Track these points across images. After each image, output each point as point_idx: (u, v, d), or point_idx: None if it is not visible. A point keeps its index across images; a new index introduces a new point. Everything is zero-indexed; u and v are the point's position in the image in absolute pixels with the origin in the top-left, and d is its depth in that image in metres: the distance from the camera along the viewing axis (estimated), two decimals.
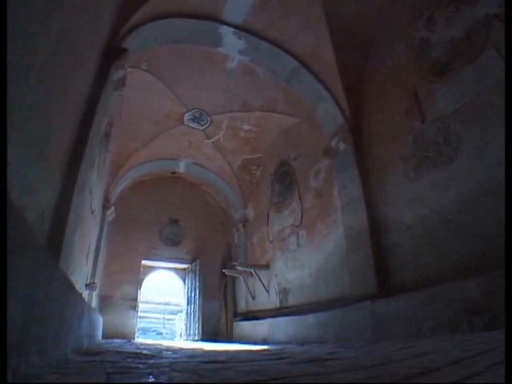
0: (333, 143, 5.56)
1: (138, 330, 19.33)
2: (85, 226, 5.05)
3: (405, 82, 4.63)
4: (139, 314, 20.07)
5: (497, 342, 1.85)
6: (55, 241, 2.91)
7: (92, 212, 5.49)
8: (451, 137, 3.85)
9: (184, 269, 9.25)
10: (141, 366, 1.73)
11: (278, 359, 2.24)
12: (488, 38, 3.61)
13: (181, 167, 9.01)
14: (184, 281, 9.30)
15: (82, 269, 5.02)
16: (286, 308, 6.19)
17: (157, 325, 20.36)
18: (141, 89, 6.18)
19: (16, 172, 1.76)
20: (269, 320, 6.17)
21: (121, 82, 4.29)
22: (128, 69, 5.20)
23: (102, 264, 7.47)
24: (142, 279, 8.82)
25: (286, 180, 7.33)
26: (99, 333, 5.46)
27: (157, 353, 2.99)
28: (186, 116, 7.12)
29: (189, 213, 9.53)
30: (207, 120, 7.31)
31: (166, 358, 2.48)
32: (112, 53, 3.86)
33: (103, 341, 5.55)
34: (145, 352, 3.07)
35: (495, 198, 3.20)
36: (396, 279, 4.13)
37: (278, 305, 6.54)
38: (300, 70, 5.71)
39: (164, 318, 19.94)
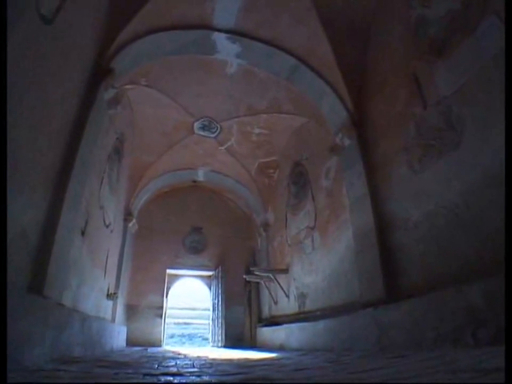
0: (337, 140, 5.29)
1: (183, 336, 19.95)
2: (98, 240, 5.31)
3: (405, 67, 4.26)
4: (185, 321, 20.73)
5: (493, 365, 1.57)
6: (42, 256, 3.09)
7: (107, 226, 5.76)
8: (454, 120, 3.45)
9: (210, 276, 9.35)
10: (67, 375, 1.74)
11: (234, 374, 2.12)
12: (487, 3, 3.18)
13: (200, 176, 9.17)
14: (210, 288, 9.40)
15: (97, 281, 5.26)
16: (303, 313, 5.95)
17: (202, 331, 20.85)
18: (147, 104, 6.41)
19: None
20: (286, 326, 5.98)
21: (114, 101, 4.45)
22: (128, 86, 5.44)
23: (128, 275, 7.81)
24: (169, 288, 9.06)
25: (300, 181, 7.11)
26: (115, 341, 5.67)
27: (143, 362, 3.01)
28: (196, 125, 7.23)
29: (211, 220, 9.64)
30: (217, 128, 7.36)
31: (139, 368, 2.47)
32: (99, 74, 4.01)
33: (122, 348, 5.78)
34: (133, 362, 3.11)
35: (501, 187, 2.78)
36: (404, 282, 3.76)
37: (297, 310, 6.32)
38: (299, 67, 5.53)
39: (209, 324, 20.35)
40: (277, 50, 5.45)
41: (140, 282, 8.26)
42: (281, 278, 7.18)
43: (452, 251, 3.24)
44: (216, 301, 8.66)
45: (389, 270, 3.93)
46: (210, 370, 2.43)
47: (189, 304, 21.75)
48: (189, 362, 3.28)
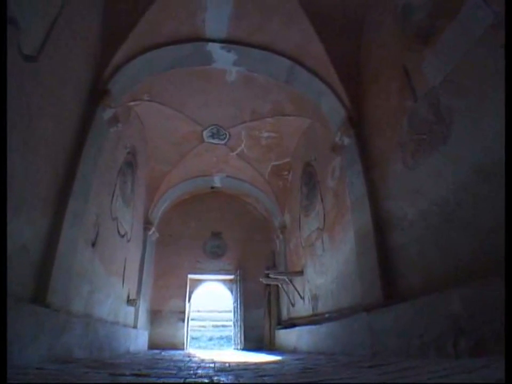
0: (337, 139, 5.18)
1: (222, 339, 20.45)
2: (113, 249, 5.64)
3: (395, 59, 4.11)
4: (223, 323, 21.22)
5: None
6: (45, 268, 3.38)
7: (122, 236, 6.10)
8: (443, 112, 3.27)
9: (231, 280, 9.50)
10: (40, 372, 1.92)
11: (200, 377, 2.19)
12: None
13: (217, 182, 9.38)
14: (232, 292, 9.55)
15: (114, 288, 5.58)
16: (316, 315, 5.87)
17: None
18: (155, 117, 6.71)
19: None
20: (297, 329, 5.94)
21: (114, 120, 4.72)
22: (132, 103, 5.75)
23: (150, 281, 8.19)
24: (191, 292, 9.37)
25: (310, 182, 7.03)
26: (132, 344, 5.98)
27: (136, 365, 3.17)
28: (205, 134, 7.43)
29: (230, 225, 9.80)
30: (226, 134, 7.50)
31: (123, 369, 2.63)
32: (96, 96, 4.30)
33: (138, 351, 6.07)
34: (127, 363, 3.30)
35: (493, 182, 2.58)
36: (402, 285, 3.59)
37: (310, 312, 6.25)
38: (295, 68, 5.50)
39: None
40: (271, 54, 5.47)
41: (163, 288, 8.63)
42: (297, 280, 7.13)
43: (447, 251, 3.06)
44: (236, 304, 8.80)
45: (386, 272, 3.78)
46: (184, 373, 2.53)
47: (225, 307, 22.17)
48: (183, 364, 3.40)
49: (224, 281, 9.83)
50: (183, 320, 8.56)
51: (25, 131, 2.98)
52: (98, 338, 4.19)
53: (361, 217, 4.43)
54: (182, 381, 2.04)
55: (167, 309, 8.50)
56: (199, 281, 9.66)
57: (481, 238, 2.70)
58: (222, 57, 5.60)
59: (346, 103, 5.06)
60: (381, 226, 4.07)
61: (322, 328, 4.61)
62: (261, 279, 7.75)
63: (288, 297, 7.50)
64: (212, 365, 3.45)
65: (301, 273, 6.97)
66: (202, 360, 4.26)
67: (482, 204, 2.73)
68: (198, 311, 25.91)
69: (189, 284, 9.16)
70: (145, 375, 2.26)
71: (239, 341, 8.14)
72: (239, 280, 8.66)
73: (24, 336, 2.60)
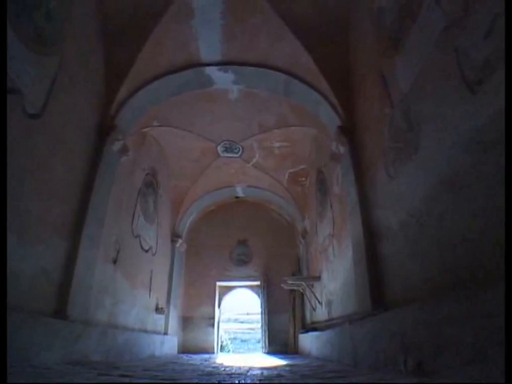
0: (333, 147, 5.20)
1: None
2: (137, 264, 6.24)
3: (375, 64, 4.08)
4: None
5: None
6: (64, 287, 3.95)
7: (146, 251, 6.69)
8: (412, 119, 3.24)
9: (258, 286, 9.77)
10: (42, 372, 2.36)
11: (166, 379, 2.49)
12: None
13: (239, 192, 9.73)
14: (259, 297, 9.80)
15: (140, 299, 6.17)
16: (330, 320, 5.89)
17: None
18: (170, 138, 7.24)
19: None
20: (310, 334, 6.01)
21: (124, 150, 5.26)
22: (145, 129, 6.32)
23: (181, 290, 8.78)
24: (221, 299, 9.83)
25: (322, 188, 7.06)
26: (156, 349, 6.48)
27: (138, 367, 3.58)
28: (219, 149, 7.81)
29: (256, 232, 10.09)
30: (239, 148, 7.81)
31: (117, 370, 3.03)
32: (103, 132, 4.85)
33: (163, 355, 6.58)
34: (130, 365, 3.73)
35: (456, 193, 2.53)
36: (387, 295, 3.57)
37: (326, 317, 6.28)
38: (291, 81, 5.64)
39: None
40: (266, 70, 5.67)
41: (193, 296, 9.19)
42: (316, 285, 7.19)
43: (420, 263, 3.02)
44: (261, 309, 9.04)
45: (375, 282, 3.77)
46: (169, 375, 2.85)
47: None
48: (185, 368, 3.73)
49: (251, 287, 10.14)
50: (213, 326, 9.04)
51: (37, 178, 3.50)
52: (116, 344, 4.72)
53: (355, 226, 4.44)
54: (157, 381, 2.38)
55: (198, 315, 9.04)
56: (228, 288, 10.09)
57: (446, 251, 2.64)
58: (221, 78, 5.92)
59: (339, 111, 5.07)
60: (371, 236, 4.06)
61: (325, 335, 4.67)
62: (282, 285, 7.91)
63: (310, 302, 7.56)
64: (210, 369, 3.73)
65: (318, 278, 7.01)
66: (210, 364, 4.57)
67: (447, 216, 2.67)
68: (247, 314, 26.38)
69: (218, 291, 9.63)
70: (129, 376, 2.62)
71: (263, 344, 8.39)
72: (264, 287, 8.90)
73: (39, 343, 3.12)
